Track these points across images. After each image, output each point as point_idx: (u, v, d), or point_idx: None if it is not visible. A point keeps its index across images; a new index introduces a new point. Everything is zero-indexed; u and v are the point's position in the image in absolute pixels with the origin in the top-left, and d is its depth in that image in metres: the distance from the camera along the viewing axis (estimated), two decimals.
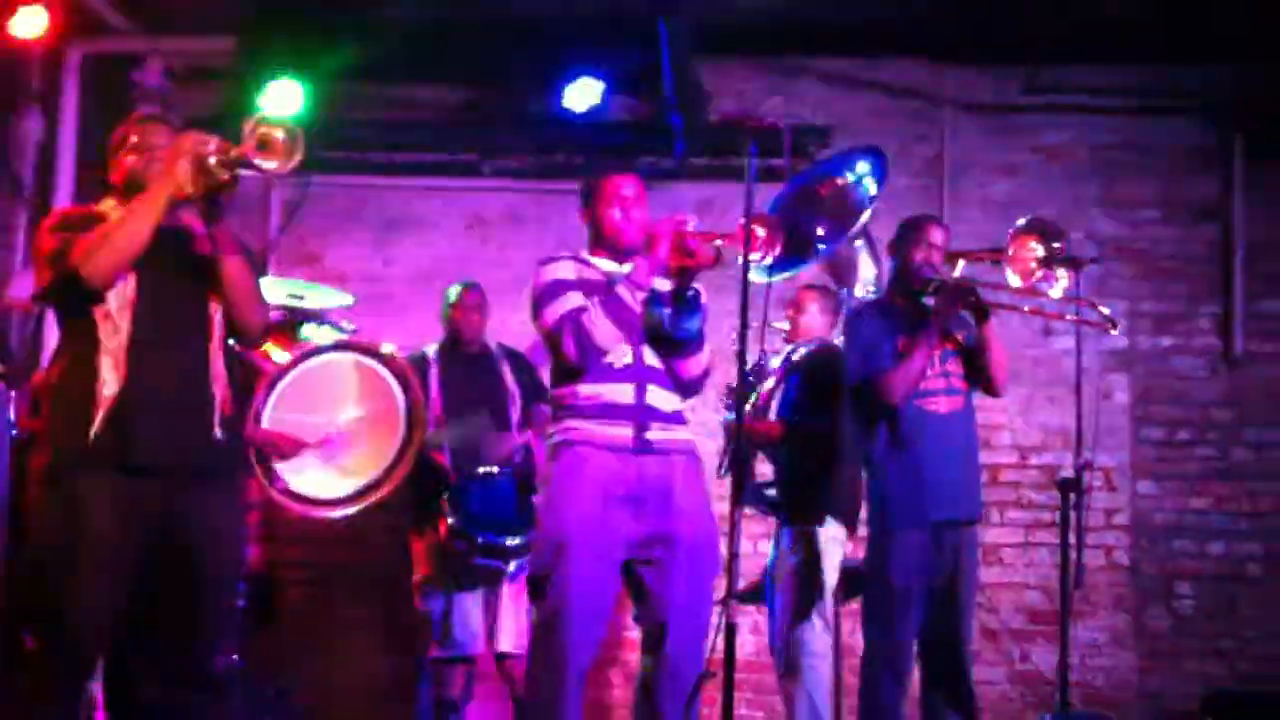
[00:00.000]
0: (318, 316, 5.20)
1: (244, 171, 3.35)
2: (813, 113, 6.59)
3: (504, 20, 6.04)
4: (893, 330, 4.48)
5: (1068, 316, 4.94)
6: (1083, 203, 6.57)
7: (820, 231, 4.65)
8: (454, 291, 5.46)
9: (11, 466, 4.31)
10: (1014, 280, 4.55)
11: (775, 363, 5.15)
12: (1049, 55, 6.44)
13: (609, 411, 3.76)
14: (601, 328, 3.69)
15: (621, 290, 3.71)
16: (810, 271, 5.18)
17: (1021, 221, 4.60)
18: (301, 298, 5.25)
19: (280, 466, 4.73)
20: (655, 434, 3.77)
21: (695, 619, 3.76)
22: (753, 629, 6.06)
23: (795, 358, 5.16)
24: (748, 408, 4.33)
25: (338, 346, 4.92)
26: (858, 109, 6.65)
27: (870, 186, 4.69)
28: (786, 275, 4.49)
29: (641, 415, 3.76)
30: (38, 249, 3.45)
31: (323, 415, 4.81)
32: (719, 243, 3.74)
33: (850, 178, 4.74)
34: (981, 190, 6.60)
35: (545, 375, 5.30)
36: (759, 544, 6.03)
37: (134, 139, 3.53)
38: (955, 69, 6.65)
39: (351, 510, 4.84)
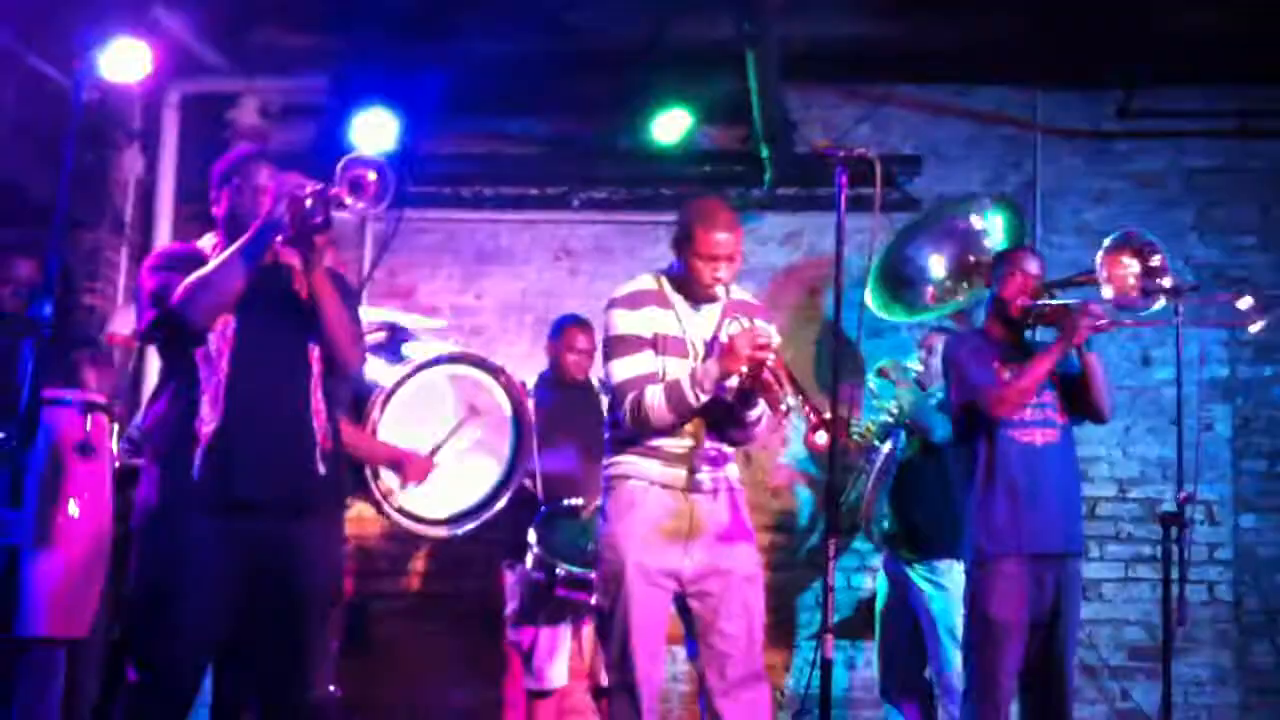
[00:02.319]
0: (414, 338, 5.26)
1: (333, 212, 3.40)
2: (902, 141, 6.57)
3: (592, 53, 6.08)
4: (990, 359, 4.45)
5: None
6: (1179, 229, 6.45)
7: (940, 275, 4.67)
8: (562, 328, 5.46)
9: (115, 501, 4.39)
10: (1108, 292, 4.42)
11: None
12: (1142, 79, 6.35)
13: (663, 452, 3.81)
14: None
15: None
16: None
17: (1109, 240, 4.50)
18: (396, 324, 5.31)
19: (391, 482, 4.77)
20: (705, 474, 3.83)
21: (750, 650, 3.80)
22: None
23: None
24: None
25: (450, 359, 4.95)
26: (949, 136, 6.60)
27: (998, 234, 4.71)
28: (915, 319, 4.48)
29: (695, 460, 3.82)
30: (140, 287, 3.52)
31: (434, 425, 4.85)
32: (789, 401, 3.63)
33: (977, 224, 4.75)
34: (1075, 217, 6.51)
35: None
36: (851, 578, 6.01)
37: (236, 178, 3.59)
38: (1047, 94, 6.58)
39: (463, 529, 4.89)
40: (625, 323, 3.83)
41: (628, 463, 3.83)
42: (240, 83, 6.52)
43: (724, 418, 3.84)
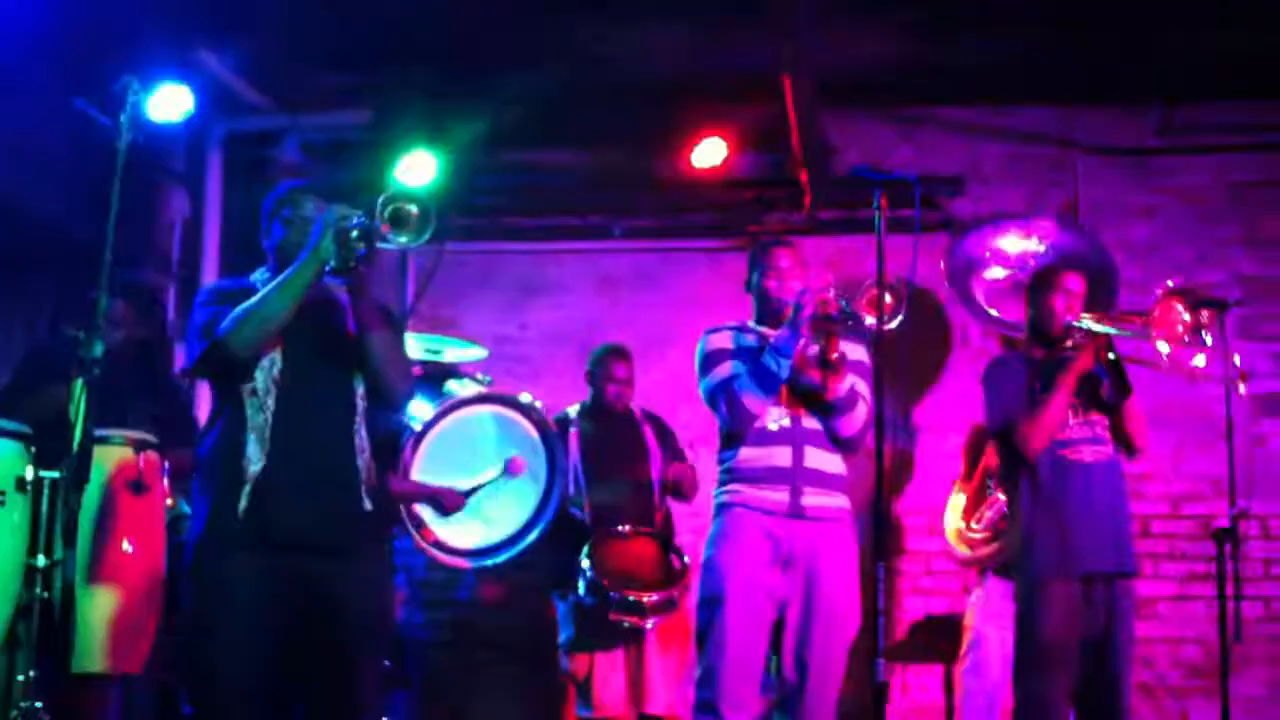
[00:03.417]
0: (455, 371, 5.28)
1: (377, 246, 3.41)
2: (942, 162, 6.56)
3: (629, 83, 6.11)
4: (1031, 380, 4.40)
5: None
6: (1224, 243, 6.41)
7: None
8: (602, 358, 5.47)
9: (167, 538, 4.43)
10: (1162, 347, 4.36)
11: None
12: (1182, 95, 6.32)
13: (768, 475, 3.93)
14: (749, 394, 3.88)
15: (767, 358, 3.86)
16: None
17: (1170, 284, 4.43)
18: (439, 352, 5.34)
19: (429, 518, 4.80)
20: (811, 499, 3.92)
21: (828, 682, 3.90)
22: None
23: None
24: None
25: (480, 399, 4.99)
26: (989, 156, 6.60)
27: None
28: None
29: (798, 479, 3.91)
30: (190, 321, 3.55)
31: (468, 467, 4.88)
32: (848, 306, 3.90)
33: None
34: (1118, 234, 6.47)
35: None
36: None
37: (285, 210, 3.62)
38: (1087, 112, 6.57)
39: (500, 559, 4.91)
40: (711, 343, 4.08)
41: (731, 490, 3.98)
42: (282, 121, 6.59)
43: (819, 409, 3.94)
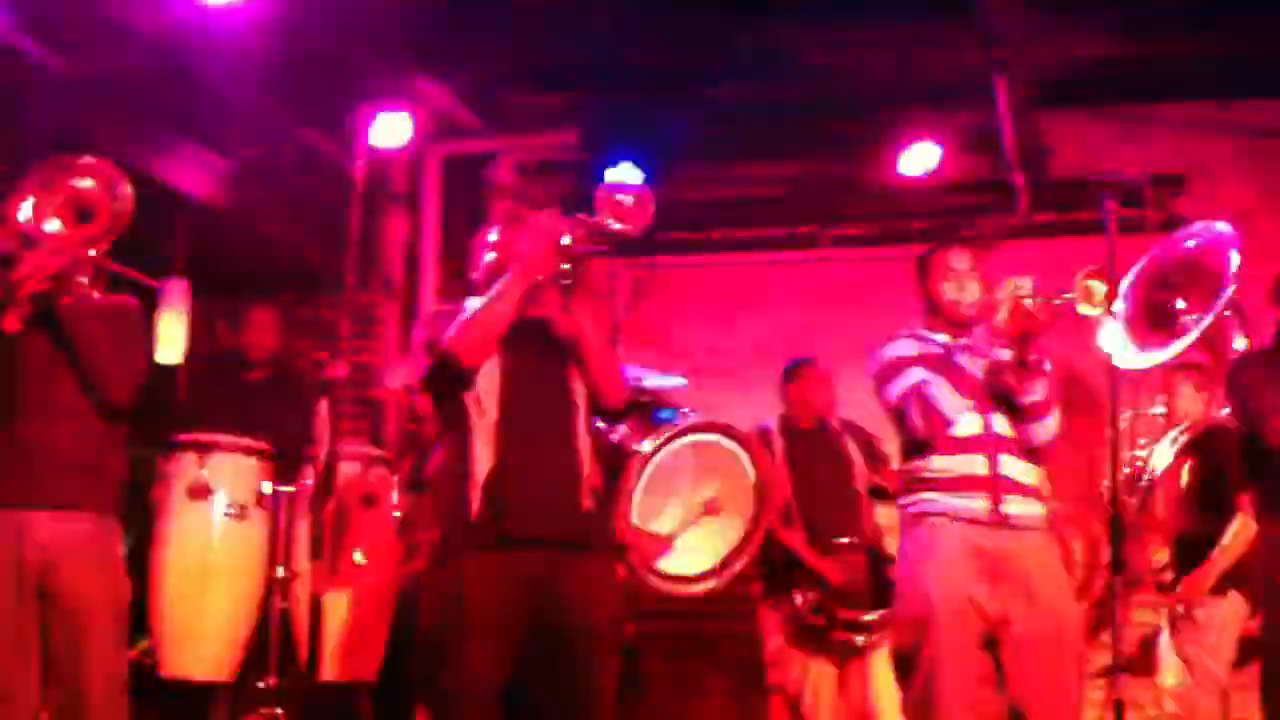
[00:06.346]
0: (658, 400, 5.32)
1: (595, 249, 3.45)
2: (1164, 161, 6.33)
3: (835, 91, 6.09)
4: (1277, 380, 4.18)
5: None
6: None
7: (1185, 307, 4.43)
8: (793, 371, 5.44)
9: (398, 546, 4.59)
10: None
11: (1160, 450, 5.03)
12: None
13: (962, 483, 3.69)
14: (945, 398, 3.66)
15: (962, 360, 3.69)
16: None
17: None
18: (639, 380, 5.38)
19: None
20: (1010, 507, 3.68)
21: (1061, 702, 3.62)
22: None
23: (1179, 444, 5.00)
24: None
25: (690, 429, 5.01)
26: (1214, 154, 6.35)
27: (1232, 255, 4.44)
28: (1160, 358, 4.28)
29: (995, 486, 3.69)
30: (414, 340, 3.68)
31: (681, 495, 4.89)
32: (1060, 301, 3.66)
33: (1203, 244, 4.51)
34: None
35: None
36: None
37: (497, 236, 3.72)
38: None
39: (712, 584, 4.90)
40: (891, 351, 3.84)
41: (925, 499, 3.74)
42: (496, 142, 6.76)
43: (1013, 415, 3.74)
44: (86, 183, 3.49)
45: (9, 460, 3.42)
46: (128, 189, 3.49)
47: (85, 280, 3.51)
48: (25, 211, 3.46)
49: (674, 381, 5.54)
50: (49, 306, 3.44)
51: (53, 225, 3.46)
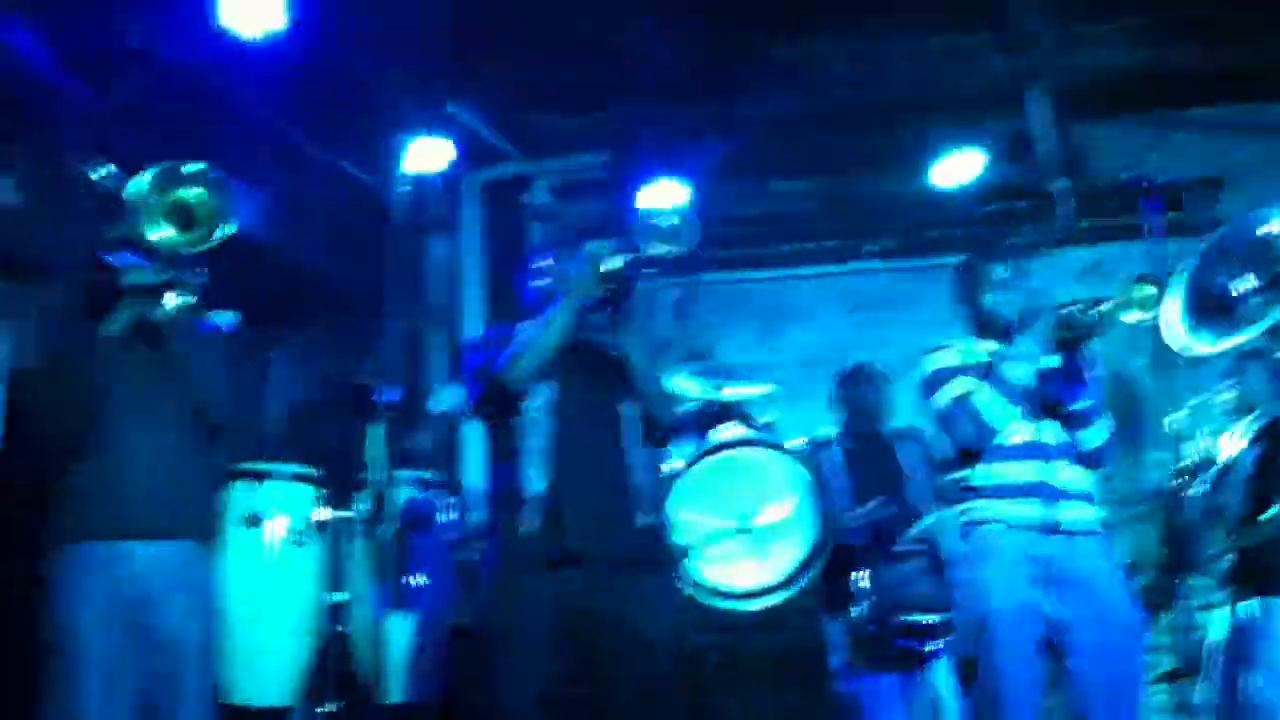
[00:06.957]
0: (735, 408, 5.33)
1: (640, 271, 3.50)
2: (1198, 165, 6.33)
3: (868, 104, 6.11)
4: None
5: None
6: None
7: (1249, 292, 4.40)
8: (845, 379, 5.47)
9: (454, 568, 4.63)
10: None
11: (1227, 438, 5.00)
12: None
13: (1012, 490, 3.73)
14: (992, 406, 3.69)
15: (1007, 367, 3.70)
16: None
17: None
18: (719, 387, 5.40)
19: (700, 562, 4.85)
20: (1063, 513, 3.71)
21: (1122, 707, 3.63)
22: None
23: (1248, 431, 4.97)
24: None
25: (743, 443, 5.03)
26: (1248, 157, 6.33)
27: None
28: (1227, 344, 4.26)
29: (1046, 492, 3.71)
30: (464, 367, 3.74)
31: (735, 510, 4.91)
32: (1106, 306, 3.67)
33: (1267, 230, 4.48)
34: None
35: None
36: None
37: (542, 265, 3.78)
38: None
39: (771, 602, 4.93)
40: (935, 361, 3.88)
41: (978, 507, 3.78)
42: (530, 166, 6.81)
43: (1063, 422, 3.77)
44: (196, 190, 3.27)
45: (103, 487, 3.32)
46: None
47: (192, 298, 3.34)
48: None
49: (756, 389, 5.55)
50: (161, 321, 3.32)
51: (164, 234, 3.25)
